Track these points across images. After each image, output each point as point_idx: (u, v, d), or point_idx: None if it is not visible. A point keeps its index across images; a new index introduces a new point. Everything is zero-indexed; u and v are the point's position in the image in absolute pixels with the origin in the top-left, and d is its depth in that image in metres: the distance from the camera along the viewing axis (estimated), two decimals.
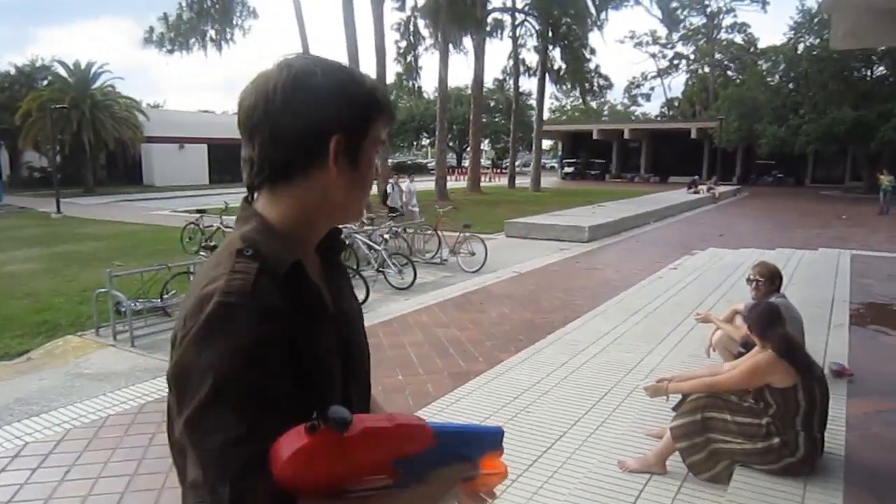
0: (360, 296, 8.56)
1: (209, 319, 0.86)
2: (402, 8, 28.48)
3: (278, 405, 0.87)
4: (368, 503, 0.87)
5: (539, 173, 35.36)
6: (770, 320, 3.25)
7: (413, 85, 29.96)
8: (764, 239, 15.45)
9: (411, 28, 29.19)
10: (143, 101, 40.68)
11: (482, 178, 45.78)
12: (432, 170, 51.85)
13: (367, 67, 26.62)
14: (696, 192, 28.71)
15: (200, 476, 0.84)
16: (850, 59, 33.53)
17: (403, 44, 29.95)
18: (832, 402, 4.12)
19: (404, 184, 15.23)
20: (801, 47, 36.61)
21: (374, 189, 24.10)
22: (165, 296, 7.70)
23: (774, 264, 4.50)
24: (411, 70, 29.00)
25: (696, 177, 33.67)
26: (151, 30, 26.45)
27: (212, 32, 26.03)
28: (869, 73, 36.15)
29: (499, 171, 55.80)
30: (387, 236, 10.58)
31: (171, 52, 26.27)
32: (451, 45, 27.16)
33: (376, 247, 10.00)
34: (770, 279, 4.35)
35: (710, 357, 4.67)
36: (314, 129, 0.96)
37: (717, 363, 4.40)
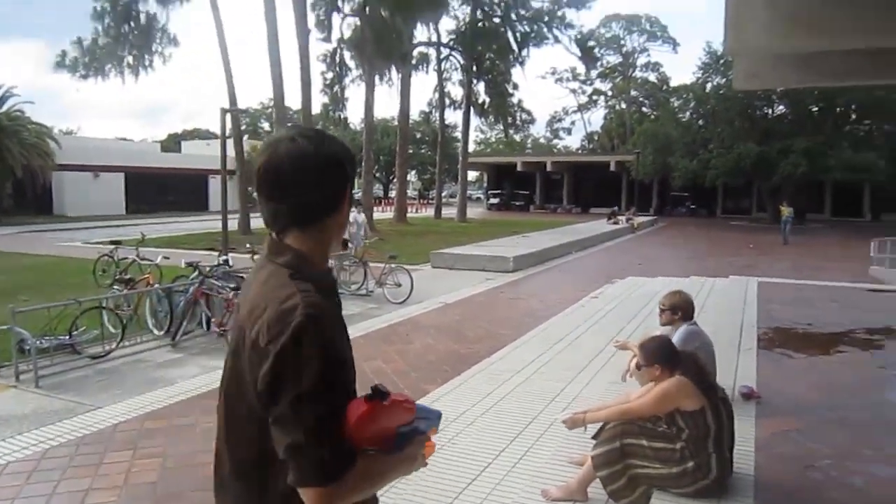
0: None
1: (301, 327, 1.17)
2: (328, 39, 28.56)
3: (348, 387, 1.24)
4: (379, 461, 1.23)
5: (465, 204, 35.84)
6: (670, 353, 3.40)
7: (339, 116, 29.95)
8: (680, 267, 16.12)
9: (338, 59, 29.27)
10: (55, 127, 38.95)
11: (409, 209, 46.00)
12: (359, 201, 51.58)
13: (293, 97, 26.50)
14: (615, 223, 29.73)
15: (302, 439, 1.14)
16: (753, 98, 35.79)
17: (330, 75, 30.00)
18: (743, 424, 4.32)
19: (350, 215, 15.14)
20: (709, 86, 38.84)
21: None
22: (74, 332, 7.30)
23: (683, 294, 4.68)
24: (337, 101, 29.00)
25: (616, 208, 34.94)
26: (64, 54, 25.48)
27: (129, 58, 25.28)
28: (770, 111, 38.66)
29: (425, 201, 56.18)
30: None
31: (85, 77, 25.33)
32: (377, 78, 27.41)
33: None
34: (671, 309, 4.56)
35: (626, 382, 4.82)
36: (338, 186, 1.34)
37: (634, 388, 4.54)
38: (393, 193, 45.04)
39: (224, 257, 10.05)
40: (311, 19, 27.65)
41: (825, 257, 20.50)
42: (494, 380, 6.21)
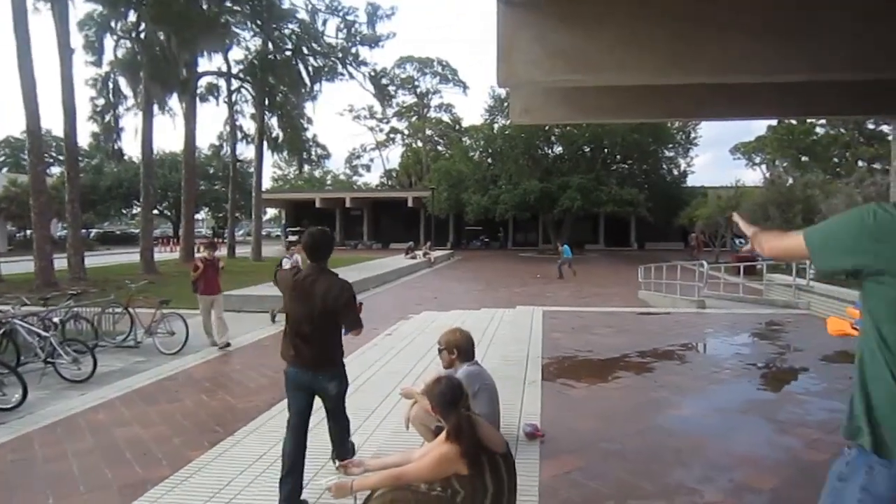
0: (17, 397, 6.98)
1: (350, 287, 4.07)
2: (98, 63, 25.91)
3: None
4: None
5: (260, 242, 34.10)
6: (452, 400, 3.04)
7: (112, 147, 27.06)
8: (473, 299, 16.46)
9: (111, 85, 26.66)
10: None
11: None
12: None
13: (53, 124, 23.51)
14: (413, 257, 30.06)
15: (356, 316, 4.00)
16: (534, 138, 38.71)
17: (101, 101, 27.20)
18: (527, 469, 4.09)
19: (294, 256, 12.98)
20: (495, 127, 41.34)
21: (64, 262, 20.94)
22: None
23: (461, 332, 4.42)
24: (110, 130, 26.24)
25: (412, 243, 35.40)
26: None
27: None
28: (550, 151, 42.03)
29: (220, 240, 53.11)
30: (56, 320, 8.89)
31: None
32: (156, 107, 25.22)
33: (43, 333, 8.30)
34: (448, 349, 4.29)
35: (408, 430, 4.43)
36: (332, 246, 4.37)
37: (418, 441, 4.17)
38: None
39: None
40: (80, 39, 25.04)
41: (601, 284, 22.27)
42: (271, 437, 5.52)
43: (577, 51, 5.67)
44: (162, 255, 34.31)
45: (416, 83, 67.75)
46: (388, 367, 8.12)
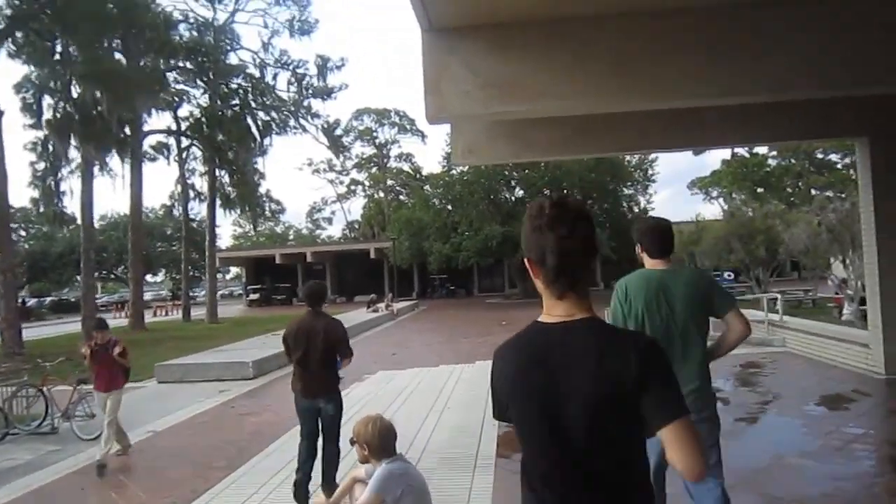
0: None
1: (342, 325, 5.42)
2: (38, 126, 24.90)
3: None
4: None
5: (215, 303, 32.64)
6: None
7: (54, 212, 25.74)
8: (434, 353, 15.61)
9: (50, 148, 25.61)
10: None
11: (157, 313, 41.40)
12: (103, 306, 45.10)
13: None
14: (375, 311, 29.06)
15: (350, 348, 5.45)
16: (494, 182, 38.47)
17: (42, 165, 26.13)
18: None
19: None
20: (454, 173, 41.05)
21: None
22: None
23: (378, 423, 3.48)
24: (50, 195, 25.04)
25: (374, 295, 34.35)
26: None
27: None
28: (510, 196, 41.82)
29: (179, 303, 51.44)
30: None
31: None
32: (97, 168, 24.18)
33: None
34: (360, 443, 3.46)
35: None
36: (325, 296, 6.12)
37: None
38: (147, 296, 40.26)
39: None
40: (17, 102, 24.19)
41: None
42: None
43: (513, 79, 5.08)
44: (115, 320, 32.77)
45: (375, 134, 67.85)
46: None
